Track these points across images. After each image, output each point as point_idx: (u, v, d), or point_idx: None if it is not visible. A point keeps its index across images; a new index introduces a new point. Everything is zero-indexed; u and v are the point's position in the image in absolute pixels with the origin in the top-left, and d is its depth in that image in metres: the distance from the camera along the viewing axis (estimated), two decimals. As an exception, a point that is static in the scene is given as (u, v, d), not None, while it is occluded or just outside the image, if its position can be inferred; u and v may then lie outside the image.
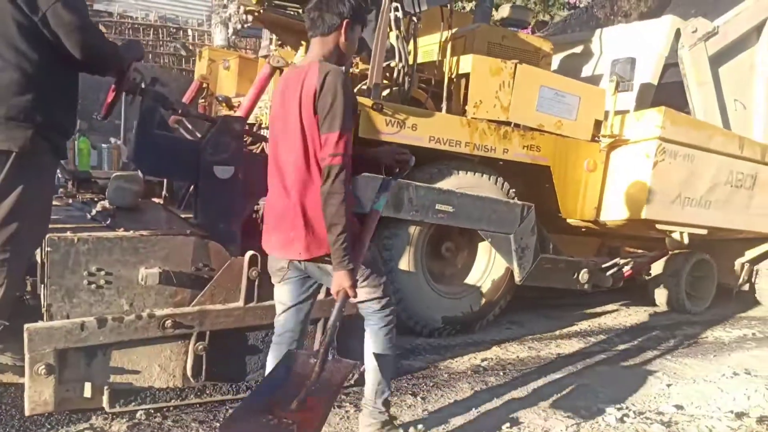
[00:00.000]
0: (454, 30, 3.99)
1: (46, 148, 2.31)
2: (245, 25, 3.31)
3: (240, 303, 2.55)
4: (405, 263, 3.64)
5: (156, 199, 3.51)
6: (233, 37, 3.37)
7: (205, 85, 4.54)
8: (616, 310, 5.16)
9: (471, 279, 4.04)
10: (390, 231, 3.59)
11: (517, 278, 3.96)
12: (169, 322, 2.40)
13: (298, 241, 1.95)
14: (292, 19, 3.21)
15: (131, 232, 2.40)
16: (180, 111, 2.79)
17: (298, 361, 1.92)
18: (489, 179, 3.90)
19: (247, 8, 3.06)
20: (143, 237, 2.40)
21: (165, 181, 3.52)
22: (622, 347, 4.05)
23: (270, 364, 2.18)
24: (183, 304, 2.48)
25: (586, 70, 5.13)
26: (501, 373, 3.30)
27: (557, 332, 4.30)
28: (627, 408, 2.91)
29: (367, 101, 3.29)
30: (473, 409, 2.76)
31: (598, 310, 5.09)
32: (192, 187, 3.07)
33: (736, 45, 4.96)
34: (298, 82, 1.94)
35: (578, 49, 5.24)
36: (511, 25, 4.63)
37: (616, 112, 4.21)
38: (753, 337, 4.67)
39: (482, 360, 3.50)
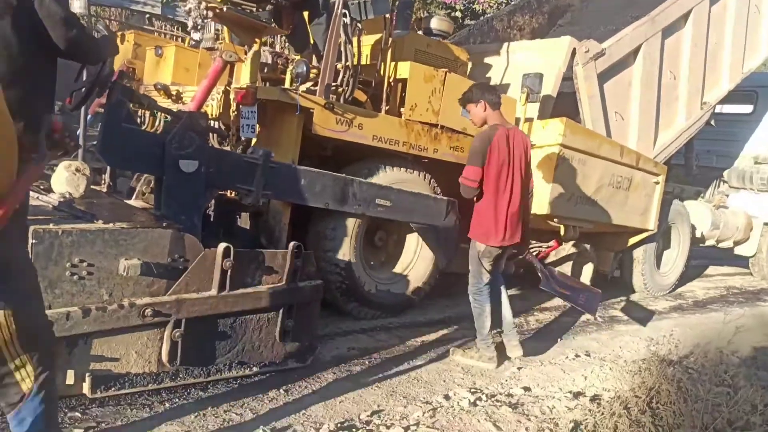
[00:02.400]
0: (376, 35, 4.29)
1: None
2: (204, 20, 3.33)
3: (213, 291, 2.69)
4: (344, 253, 3.91)
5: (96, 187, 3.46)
6: (192, 32, 3.35)
7: (130, 70, 4.44)
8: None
9: (400, 267, 4.41)
10: (332, 222, 3.85)
11: (441, 265, 4.41)
12: (148, 311, 2.49)
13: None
14: (249, 18, 3.32)
15: (112, 224, 2.45)
16: (146, 105, 2.81)
17: None
18: (419, 175, 4.28)
19: (210, 4, 3.13)
20: (124, 229, 2.45)
21: (109, 170, 3.48)
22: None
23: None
24: (159, 294, 2.56)
25: (495, 79, 5.68)
26: (366, 362, 3.38)
27: (426, 319, 4.43)
28: (480, 391, 3.09)
29: (320, 100, 3.50)
30: (334, 398, 2.83)
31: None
32: (153, 180, 3.10)
33: (618, 65, 5.76)
34: None
35: (488, 59, 5.77)
36: (434, 35, 5.02)
37: (525, 120, 4.79)
38: (594, 321, 5.14)
39: (348, 349, 3.55)
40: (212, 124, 3.62)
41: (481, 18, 10.47)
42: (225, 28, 3.94)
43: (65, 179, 2.93)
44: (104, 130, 2.69)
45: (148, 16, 11.64)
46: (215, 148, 3.25)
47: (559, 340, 4.41)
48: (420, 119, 4.13)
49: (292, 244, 2.95)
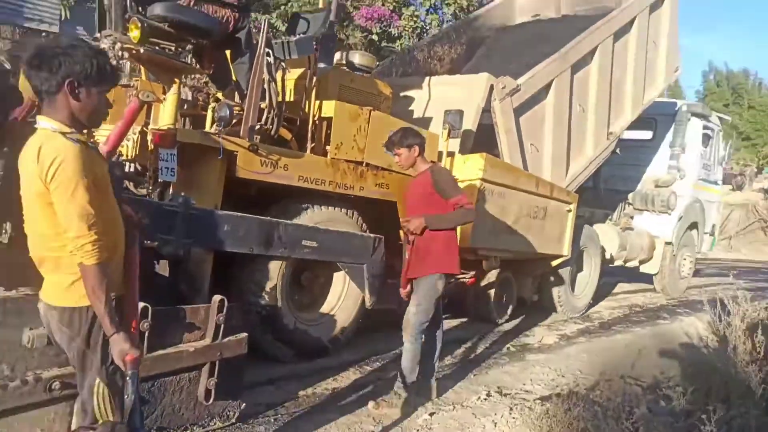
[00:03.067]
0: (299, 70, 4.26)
1: None
2: (120, 62, 3.15)
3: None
4: (270, 297, 3.80)
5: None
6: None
7: (36, 107, 4.12)
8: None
9: (327, 306, 4.35)
10: (257, 267, 3.74)
11: (368, 303, 4.40)
12: (56, 384, 2.29)
13: None
14: (168, 58, 3.18)
15: (14, 291, 2.24)
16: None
17: None
18: (346, 213, 4.26)
19: (125, 46, 2.97)
20: (28, 296, 2.25)
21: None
22: (393, 373, 3.85)
23: None
24: (68, 363, 2.37)
25: (417, 112, 5.78)
26: (272, 419, 3.18)
27: (339, 362, 4.24)
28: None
29: (244, 142, 3.41)
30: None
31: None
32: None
33: (532, 99, 6.03)
34: None
35: (410, 93, 5.86)
36: (357, 70, 5.03)
37: (447, 154, 4.90)
38: (507, 352, 5.21)
39: (254, 405, 3.27)
40: (127, 167, 3.43)
41: (403, 47, 10.73)
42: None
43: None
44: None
45: (44, 34, 10.96)
46: (132, 198, 3.07)
47: (471, 375, 4.39)
48: (345, 157, 4.12)
49: (215, 298, 2.84)
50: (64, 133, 1.74)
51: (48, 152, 1.69)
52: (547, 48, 7.02)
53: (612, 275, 9.21)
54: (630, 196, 8.84)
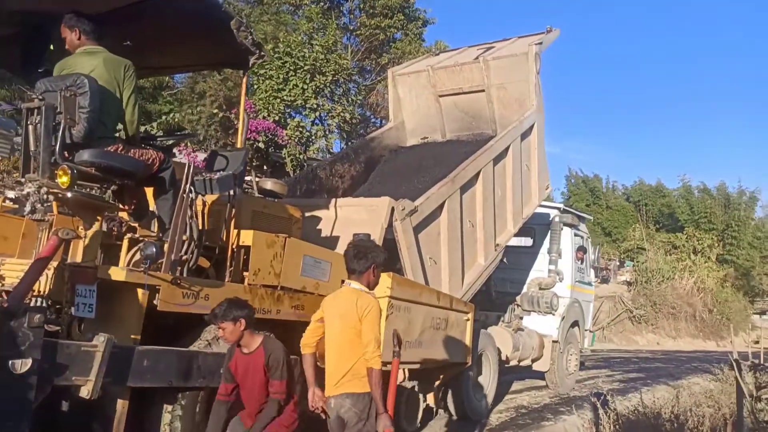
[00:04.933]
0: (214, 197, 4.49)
1: None
2: (45, 204, 3.19)
3: None
4: (188, 428, 3.74)
5: None
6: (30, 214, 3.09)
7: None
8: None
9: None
10: (174, 398, 3.70)
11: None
12: None
13: None
14: (94, 200, 3.29)
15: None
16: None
17: None
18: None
19: (52, 190, 3.06)
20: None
21: None
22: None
23: None
24: None
25: (325, 232, 6.14)
26: None
27: None
28: None
29: (167, 276, 3.51)
30: None
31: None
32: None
33: (428, 218, 6.63)
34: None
35: (317, 213, 6.24)
36: (269, 196, 5.34)
37: (356, 274, 5.23)
38: None
39: None
40: (39, 302, 3.38)
41: (306, 166, 11.32)
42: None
43: None
44: None
45: None
46: (51, 341, 3.03)
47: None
48: (263, 282, 4.31)
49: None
50: (366, 293, 3.30)
51: (363, 302, 3.16)
52: (438, 169, 7.86)
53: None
54: (518, 298, 9.62)
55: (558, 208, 10.36)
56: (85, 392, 3.02)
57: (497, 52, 9.11)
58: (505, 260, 8.33)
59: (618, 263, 32.38)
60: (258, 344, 3.53)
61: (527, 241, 10.09)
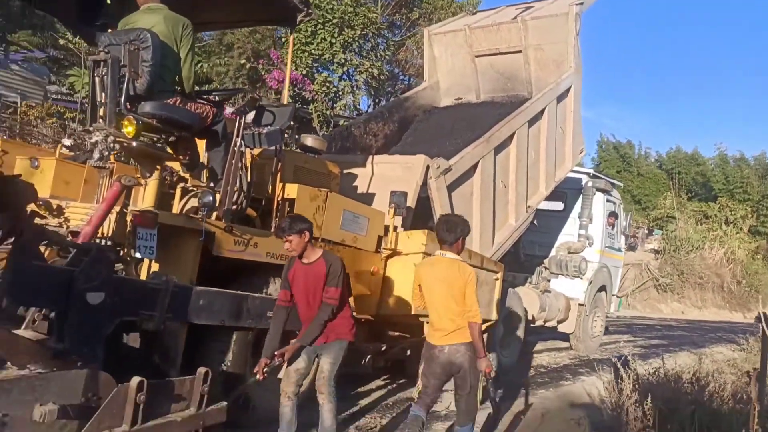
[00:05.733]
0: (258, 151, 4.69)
1: None
2: (111, 152, 3.41)
3: (125, 427, 2.72)
4: (237, 366, 4.04)
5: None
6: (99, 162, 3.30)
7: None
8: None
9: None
10: (225, 337, 3.98)
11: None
12: (62, 456, 2.46)
13: None
14: (153, 149, 3.50)
15: (27, 370, 2.43)
16: (54, 241, 2.84)
17: None
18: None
19: (118, 139, 3.27)
20: (41, 374, 2.45)
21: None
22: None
23: None
24: (71, 436, 2.55)
25: (361, 188, 6.31)
26: None
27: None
28: None
29: (221, 224, 3.74)
30: None
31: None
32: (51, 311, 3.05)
33: (462, 177, 6.75)
34: None
35: (355, 170, 6.40)
36: (309, 151, 5.51)
37: (393, 230, 5.42)
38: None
39: None
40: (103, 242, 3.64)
41: (341, 125, 11.42)
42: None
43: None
44: (14, 269, 2.67)
45: None
46: (120, 277, 3.30)
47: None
48: (305, 234, 4.51)
49: (200, 370, 3.09)
50: (464, 262, 3.88)
51: (467, 271, 3.75)
52: (471, 131, 7.91)
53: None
54: (546, 261, 9.73)
55: (587, 174, 10.33)
56: (149, 326, 3.29)
57: (536, 12, 8.98)
58: (535, 222, 8.42)
59: (646, 231, 32.03)
60: (318, 255, 3.78)
61: (558, 205, 10.12)
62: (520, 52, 8.93)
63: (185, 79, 3.77)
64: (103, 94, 3.31)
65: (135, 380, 2.75)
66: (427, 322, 5.75)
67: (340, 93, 16.85)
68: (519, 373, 8.13)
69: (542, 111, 8.13)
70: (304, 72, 15.92)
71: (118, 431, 2.69)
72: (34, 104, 11.86)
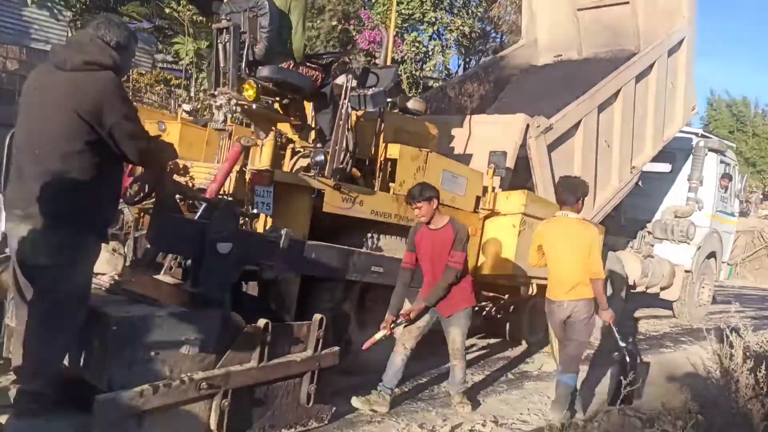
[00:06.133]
0: (364, 110, 4.82)
1: (93, 237, 2.59)
2: (234, 115, 3.70)
3: (254, 363, 3.03)
4: (343, 316, 4.30)
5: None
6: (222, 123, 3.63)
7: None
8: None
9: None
10: (332, 288, 4.24)
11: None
12: (204, 384, 2.79)
13: None
14: (269, 111, 3.74)
15: (173, 308, 2.76)
16: (190, 196, 3.16)
17: None
18: (402, 242, 4.77)
19: (240, 102, 3.53)
20: (185, 312, 2.77)
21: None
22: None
23: None
24: (210, 368, 2.88)
25: (458, 149, 6.33)
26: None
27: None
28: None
29: (330, 182, 3.96)
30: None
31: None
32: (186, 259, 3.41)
33: (563, 136, 6.58)
34: None
35: (452, 131, 6.42)
36: (409, 113, 5.57)
37: (491, 190, 5.42)
38: (506, 379, 5.23)
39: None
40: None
41: (435, 85, 11.37)
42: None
43: (105, 259, 3.19)
44: (157, 220, 3.01)
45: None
46: (245, 230, 3.60)
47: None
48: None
49: (316, 316, 3.35)
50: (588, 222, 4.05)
51: (592, 231, 4.07)
52: (572, 89, 7.60)
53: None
54: (650, 225, 9.30)
55: (695, 134, 9.65)
56: (269, 275, 3.57)
57: (647, -41, 8.36)
58: (640, 184, 8.06)
59: (761, 196, 29.43)
60: (445, 222, 3.96)
61: (665, 167, 9.56)
62: (627, 3, 8.39)
63: (296, 42, 3.95)
64: (226, 60, 3.56)
65: (261, 321, 3.04)
66: (523, 284, 5.81)
67: (430, 53, 16.60)
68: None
69: (651, 65, 7.67)
70: (394, 32, 15.80)
71: (248, 366, 3.00)
72: (143, 72, 12.72)
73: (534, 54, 9.50)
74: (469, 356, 6.04)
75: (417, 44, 15.86)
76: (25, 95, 2.65)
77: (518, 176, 6.00)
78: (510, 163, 5.91)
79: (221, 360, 2.91)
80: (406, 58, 15.58)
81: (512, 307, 6.32)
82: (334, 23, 17.16)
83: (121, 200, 2.94)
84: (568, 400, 4.04)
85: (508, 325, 6.54)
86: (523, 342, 6.59)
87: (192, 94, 11.58)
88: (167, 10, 14.27)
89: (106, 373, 2.52)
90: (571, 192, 4.10)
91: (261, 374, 3.05)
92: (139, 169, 3.03)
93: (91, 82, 2.44)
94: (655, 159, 8.56)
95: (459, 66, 19.44)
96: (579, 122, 6.73)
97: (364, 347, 3.95)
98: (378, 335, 3.96)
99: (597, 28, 8.92)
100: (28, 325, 2.50)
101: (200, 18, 11.36)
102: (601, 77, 7.21)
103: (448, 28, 16.48)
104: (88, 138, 2.43)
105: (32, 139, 2.46)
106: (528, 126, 6.08)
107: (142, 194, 2.87)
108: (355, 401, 3.85)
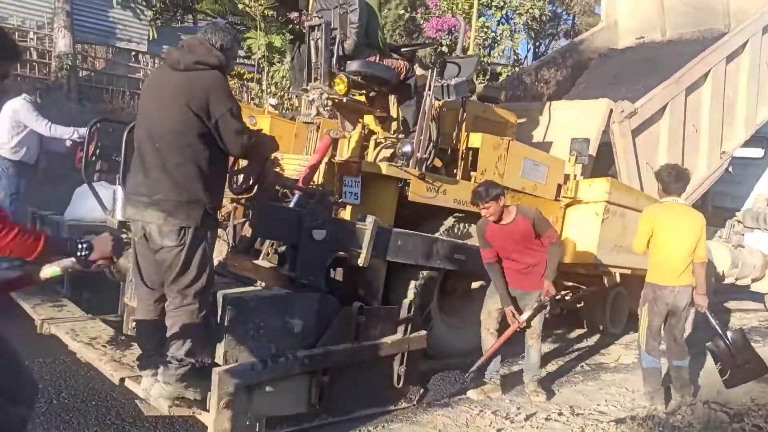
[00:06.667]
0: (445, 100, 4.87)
1: (211, 221, 2.82)
2: (325, 108, 3.88)
3: (350, 343, 3.20)
4: (426, 301, 4.41)
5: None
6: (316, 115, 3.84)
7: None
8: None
9: (469, 311, 4.91)
10: (416, 275, 4.36)
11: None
12: (306, 361, 2.99)
13: None
14: (359, 104, 3.89)
15: (278, 290, 2.97)
16: (288, 186, 3.38)
17: None
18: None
19: (332, 96, 3.71)
20: (288, 294, 2.98)
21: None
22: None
23: None
24: (310, 346, 3.08)
25: (537, 137, 6.27)
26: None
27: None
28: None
29: (415, 172, 4.07)
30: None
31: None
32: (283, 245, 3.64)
33: (648, 121, 6.37)
34: None
35: (531, 118, 6.36)
36: (486, 101, 5.58)
37: (569, 178, 5.36)
38: (581, 370, 5.15)
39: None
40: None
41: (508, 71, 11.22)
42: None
43: (211, 245, 3.46)
44: (260, 209, 3.22)
45: (134, 53, 12.15)
46: (337, 218, 3.78)
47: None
48: (488, 181, 4.69)
49: (405, 300, 3.48)
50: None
51: (701, 218, 4.14)
52: (656, 73, 7.33)
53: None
54: (740, 214, 8.82)
55: None
56: (358, 261, 3.73)
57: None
58: (730, 170, 7.68)
59: None
60: (514, 214, 3.97)
61: (757, 152, 9.02)
62: (716, -20, 7.98)
63: (381, 35, 4.07)
64: (318, 56, 3.74)
65: (356, 304, 3.20)
66: (605, 273, 5.70)
67: (498, 38, 16.26)
68: (704, 329, 7.65)
69: (744, 45, 7.27)
70: (475, 18, 15.58)
71: (345, 346, 3.17)
72: None
73: (614, 37, 9.19)
74: (544, 347, 6.03)
75: (485, 30, 15.59)
76: (144, 94, 2.92)
77: (599, 163, 5.89)
78: (593, 150, 5.80)
79: (321, 339, 3.10)
80: (474, 44, 15.34)
81: (592, 297, 6.23)
82: (401, 11, 17.17)
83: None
84: (688, 382, 4.18)
85: (587, 315, 6.44)
86: (600, 333, 6.48)
87: (264, 87, 11.95)
88: (240, 6, 14.75)
89: (222, 348, 2.75)
90: (678, 180, 4.21)
91: (356, 354, 3.22)
92: (243, 162, 3.25)
93: (201, 79, 2.66)
94: (747, 144, 8.11)
95: (528, 50, 18.96)
96: (665, 106, 6.50)
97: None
98: (509, 331, 4.07)
99: (682, 7, 8.52)
100: (168, 305, 2.73)
101: (271, 13, 11.68)
102: (688, 59, 6.92)
103: (518, 11, 16.10)
104: (199, 131, 2.65)
105: (153, 133, 2.70)
106: (611, 111, 5.95)
107: (246, 185, 3.08)
108: (472, 393, 3.99)
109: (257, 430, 2.84)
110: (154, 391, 2.71)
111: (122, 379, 2.92)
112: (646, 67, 7.87)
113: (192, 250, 2.67)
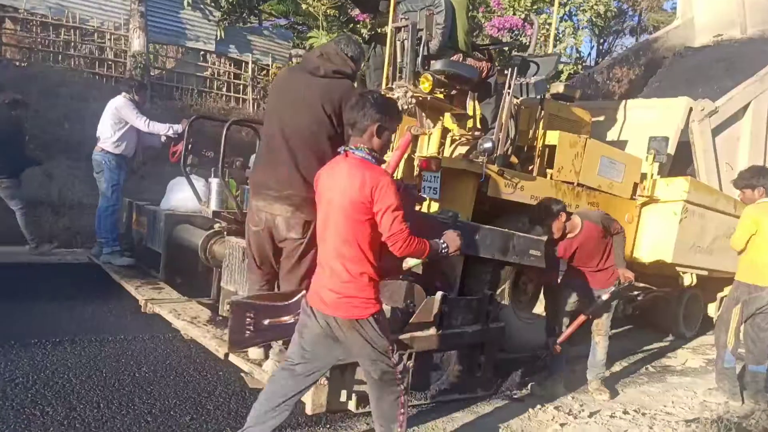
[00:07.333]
0: (522, 98, 4.92)
1: None
2: (409, 106, 4.05)
3: (433, 331, 3.34)
4: (500, 295, 4.50)
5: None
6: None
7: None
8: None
9: (541, 306, 4.96)
10: (492, 269, 4.45)
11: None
12: (395, 345, 3.15)
13: None
14: (439, 102, 4.03)
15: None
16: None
17: None
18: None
19: (415, 94, 3.87)
20: (384, 282, 3.15)
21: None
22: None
23: None
24: (396, 331, 3.23)
25: (612, 135, 6.22)
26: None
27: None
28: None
29: (494, 168, 4.17)
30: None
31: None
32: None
33: (729, 120, 6.21)
34: None
35: (603, 115, 6.30)
36: (561, 99, 5.59)
37: (646, 177, 5.30)
38: (646, 372, 5.12)
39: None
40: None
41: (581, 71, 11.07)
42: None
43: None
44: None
45: (202, 53, 12.59)
46: (418, 212, 3.94)
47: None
48: (564, 179, 4.73)
49: (485, 292, 3.58)
50: None
51: None
52: (733, 72, 7.13)
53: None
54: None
55: None
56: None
57: None
58: (817, 172, 7.31)
59: None
60: (580, 224, 4.01)
61: None
62: (803, -27, 7.64)
63: (464, 35, 4.18)
64: (403, 56, 3.90)
65: (439, 294, 3.34)
66: (682, 273, 5.60)
67: (561, 35, 15.95)
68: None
69: (834, 40, 6.93)
70: (523, 16, 15.41)
71: (428, 333, 3.32)
72: (281, 66, 13.62)
73: (690, 34, 8.95)
74: (609, 346, 5.97)
75: (547, 26, 15.32)
76: (276, 94, 3.12)
77: (677, 162, 5.79)
78: (671, 148, 5.72)
79: (407, 325, 3.25)
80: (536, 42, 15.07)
81: (664, 298, 6.13)
82: (463, 10, 17.04)
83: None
84: (763, 388, 4.12)
85: (659, 317, 6.34)
86: (673, 336, 6.35)
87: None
88: (303, 6, 15.13)
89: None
90: (764, 176, 4.26)
91: (438, 341, 3.35)
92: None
93: (337, 87, 2.89)
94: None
95: (591, 48, 18.50)
96: (747, 105, 6.32)
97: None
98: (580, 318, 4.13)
99: (765, 3, 8.20)
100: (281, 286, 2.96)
101: (334, 12, 11.95)
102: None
103: (581, 8, 15.75)
104: (328, 133, 2.87)
105: (285, 130, 2.91)
106: (691, 109, 5.85)
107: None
108: (535, 388, 4.06)
109: (350, 406, 3.02)
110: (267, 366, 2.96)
111: (226, 354, 3.16)
112: (724, 67, 7.64)
113: (312, 244, 2.85)
